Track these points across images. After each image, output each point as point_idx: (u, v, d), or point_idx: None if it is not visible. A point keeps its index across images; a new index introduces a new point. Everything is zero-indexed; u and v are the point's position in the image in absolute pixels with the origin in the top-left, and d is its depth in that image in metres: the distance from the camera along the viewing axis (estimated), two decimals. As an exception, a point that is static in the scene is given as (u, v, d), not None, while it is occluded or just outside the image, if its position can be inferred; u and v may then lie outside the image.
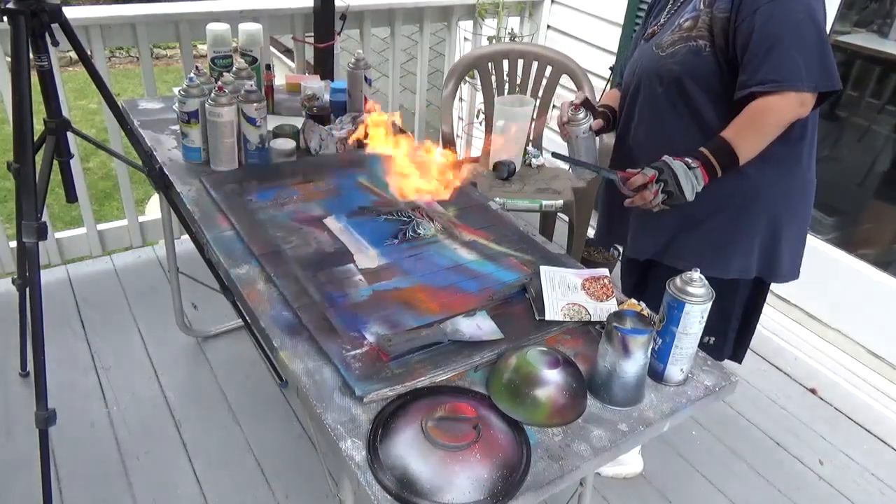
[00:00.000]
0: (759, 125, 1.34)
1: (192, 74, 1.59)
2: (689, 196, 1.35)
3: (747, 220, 1.46)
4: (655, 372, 1.07)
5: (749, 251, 1.48)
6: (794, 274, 1.56)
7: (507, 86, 2.67)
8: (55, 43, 1.44)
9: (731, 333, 1.64)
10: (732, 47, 1.33)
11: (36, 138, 1.50)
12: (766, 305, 2.45)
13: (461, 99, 3.31)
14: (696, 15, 1.38)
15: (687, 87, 1.41)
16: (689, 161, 1.35)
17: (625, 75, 1.60)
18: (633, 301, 1.20)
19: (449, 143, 2.46)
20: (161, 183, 1.62)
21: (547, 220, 2.68)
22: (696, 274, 1.01)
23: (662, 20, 1.49)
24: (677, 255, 1.51)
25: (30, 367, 1.99)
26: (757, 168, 1.39)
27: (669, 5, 1.49)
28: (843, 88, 1.35)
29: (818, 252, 2.34)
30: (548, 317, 1.17)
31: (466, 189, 1.62)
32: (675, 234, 1.51)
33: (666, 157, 1.36)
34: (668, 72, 1.41)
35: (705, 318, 1.02)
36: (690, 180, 1.34)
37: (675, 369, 1.06)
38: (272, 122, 1.74)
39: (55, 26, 1.45)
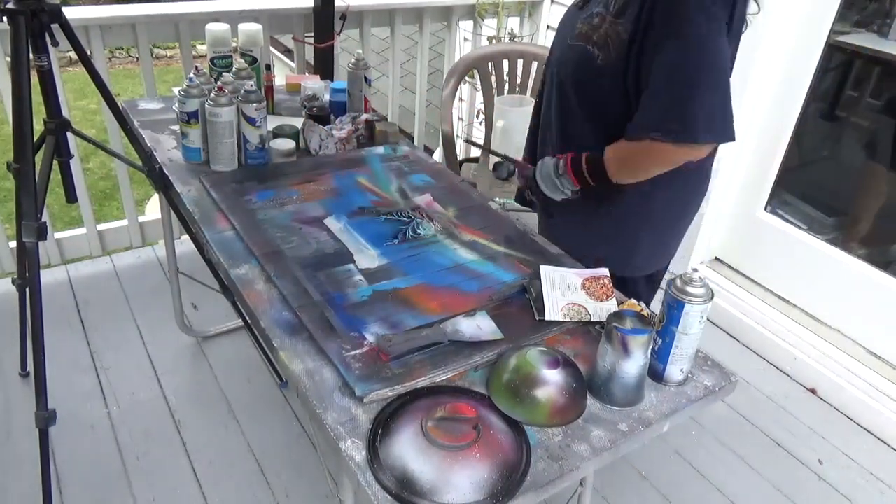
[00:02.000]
0: (643, 165, 1.34)
1: (191, 74, 1.59)
2: (556, 197, 1.46)
3: (636, 222, 1.49)
4: (655, 372, 1.07)
5: (636, 250, 1.53)
6: (667, 261, 1.63)
7: (507, 86, 2.67)
8: (55, 43, 1.44)
9: None
10: (633, 75, 1.27)
11: (36, 138, 1.50)
12: (765, 305, 2.46)
13: (461, 99, 3.30)
14: (603, 16, 1.31)
15: (574, 88, 1.40)
16: (560, 167, 1.41)
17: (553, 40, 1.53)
18: (633, 301, 1.20)
19: (449, 142, 2.46)
20: (161, 183, 1.62)
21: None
22: (696, 274, 1.02)
23: None
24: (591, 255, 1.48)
25: (30, 367, 1.99)
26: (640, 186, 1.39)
27: None
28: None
29: (818, 252, 2.34)
30: (548, 317, 1.17)
31: (466, 189, 1.62)
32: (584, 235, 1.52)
33: (543, 160, 1.45)
34: (566, 64, 1.40)
35: (705, 319, 1.02)
36: (554, 185, 1.43)
37: (675, 369, 1.06)
38: (272, 122, 1.74)
39: (55, 26, 1.45)
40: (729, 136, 1.28)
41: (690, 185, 1.49)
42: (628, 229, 1.50)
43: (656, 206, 1.47)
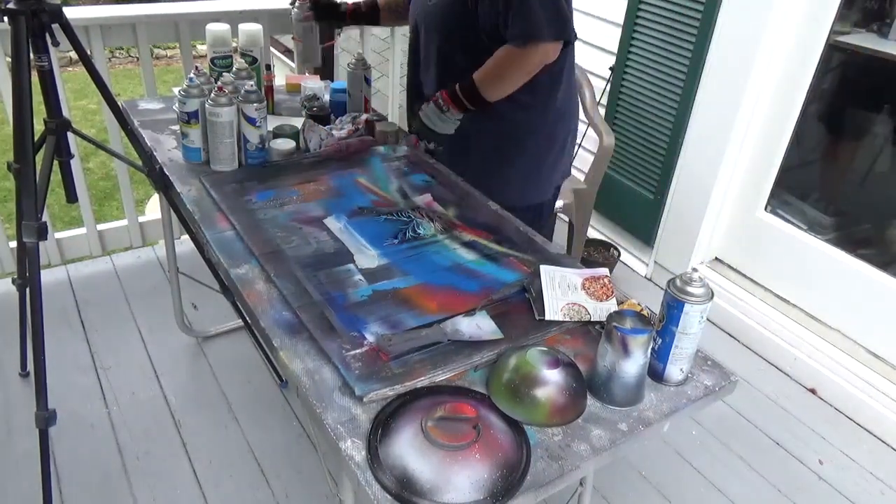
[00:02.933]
0: (504, 73, 1.58)
1: (192, 74, 1.59)
2: (449, 130, 1.66)
3: (513, 154, 1.73)
4: (655, 372, 1.07)
5: (524, 180, 1.77)
6: (548, 192, 1.86)
7: (506, 86, 2.67)
8: (55, 43, 1.44)
9: None
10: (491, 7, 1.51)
11: (36, 138, 1.50)
12: (765, 305, 2.46)
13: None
14: None
15: (445, 41, 1.64)
16: (441, 103, 1.63)
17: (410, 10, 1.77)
18: (634, 301, 1.20)
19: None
20: (161, 183, 1.62)
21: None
22: (696, 274, 1.02)
23: None
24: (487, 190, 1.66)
25: (30, 367, 1.99)
26: (512, 112, 1.66)
27: None
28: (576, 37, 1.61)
29: (818, 252, 2.34)
30: (548, 317, 1.17)
31: (467, 189, 1.62)
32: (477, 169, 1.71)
33: (422, 108, 1.65)
34: (433, 20, 1.61)
35: (705, 318, 1.02)
36: (442, 120, 1.64)
37: (675, 369, 1.06)
38: (272, 122, 1.74)
39: (55, 26, 1.45)
40: (567, 34, 1.56)
41: (557, 130, 1.77)
42: (507, 160, 1.75)
43: (524, 137, 1.72)
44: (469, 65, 1.62)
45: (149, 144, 1.70)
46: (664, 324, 1.03)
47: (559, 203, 2.31)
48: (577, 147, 2.77)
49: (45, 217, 1.71)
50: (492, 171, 1.72)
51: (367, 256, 1.31)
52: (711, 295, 1.01)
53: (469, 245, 1.38)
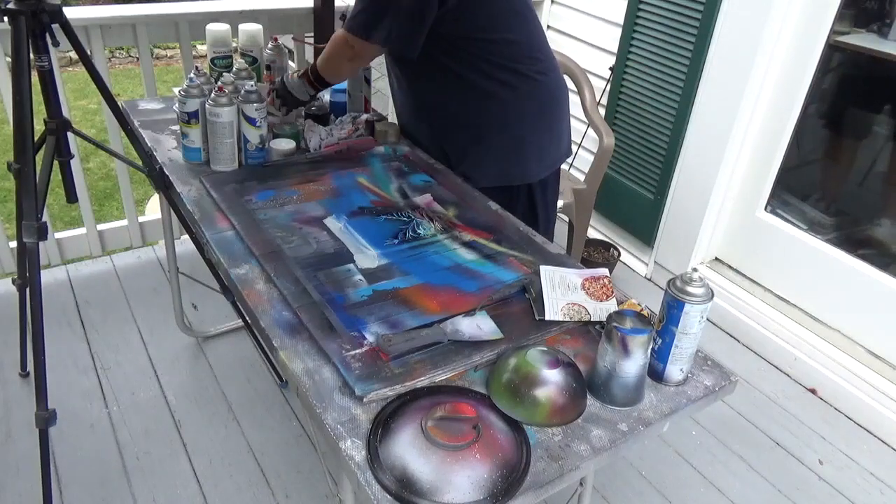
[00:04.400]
0: (333, 53, 1.66)
1: (192, 74, 1.59)
2: (304, 98, 1.76)
3: (486, 136, 1.71)
4: (655, 372, 1.07)
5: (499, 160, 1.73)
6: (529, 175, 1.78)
7: (506, 86, 2.67)
8: (55, 43, 1.44)
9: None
10: None
11: (36, 138, 1.50)
12: (765, 305, 2.46)
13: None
14: None
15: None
16: (299, 75, 1.75)
17: None
18: (633, 301, 1.20)
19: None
20: (161, 183, 1.62)
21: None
22: (696, 274, 1.02)
23: None
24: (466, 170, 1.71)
25: (30, 367, 1.99)
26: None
27: None
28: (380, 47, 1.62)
29: (818, 252, 2.34)
30: (548, 317, 1.17)
31: (467, 189, 1.62)
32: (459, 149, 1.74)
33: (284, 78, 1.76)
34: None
35: (705, 318, 1.02)
36: (301, 89, 1.74)
37: (675, 369, 1.06)
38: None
39: (55, 26, 1.45)
40: (369, 35, 1.56)
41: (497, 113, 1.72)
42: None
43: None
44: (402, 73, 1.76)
45: (149, 144, 1.70)
46: (664, 324, 1.03)
47: (560, 203, 2.31)
48: (577, 147, 2.77)
49: (45, 217, 1.71)
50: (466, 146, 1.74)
51: (367, 256, 1.31)
52: (711, 295, 1.01)
53: (469, 245, 1.38)
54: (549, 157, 1.80)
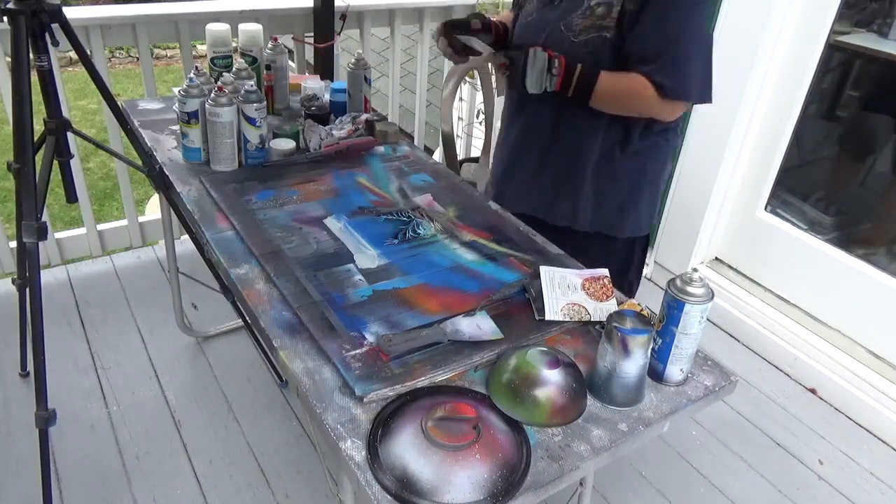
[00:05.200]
0: (626, 101, 1.45)
1: (192, 74, 1.59)
2: (532, 90, 1.45)
3: (635, 190, 1.62)
4: (655, 372, 1.07)
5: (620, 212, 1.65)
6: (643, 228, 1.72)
7: (507, 86, 2.66)
8: (55, 43, 1.44)
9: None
10: (628, 27, 1.40)
11: (36, 138, 1.50)
12: (765, 305, 2.46)
13: (461, 99, 3.30)
14: (609, 3, 1.40)
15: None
16: (555, 66, 1.42)
17: (517, 36, 1.60)
18: (633, 301, 1.20)
19: (449, 142, 2.46)
20: (161, 183, 1.62)
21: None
22: (696, 274, 1.02)
23: None
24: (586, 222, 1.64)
25: (30, 367, 1.99)
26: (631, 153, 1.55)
27: None
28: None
29: (818, 252, 2.34)
30: (548, 317, 1.17)
31: (466, 189, 1.62)
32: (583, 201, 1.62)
33: (536, 49, 1.42)
34: (582, 60, 1.43)
35: (705, 318, 1.02)
36: (539, 79, 1.44)
37: (675, 369, 1.06)
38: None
39: (55, 26, 1.45)
40: (710, 98, 1.46)
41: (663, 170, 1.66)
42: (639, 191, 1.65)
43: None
44: (573, 107, 1.52)
45: (149, 144, 1.70)
46: (664, 324, 1.03)
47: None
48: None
49: (45, 217, 1.71)
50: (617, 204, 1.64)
51: (367, 256, 1.31)
52: (712, 295, 1.01)
53: (469, 245, 1.38)
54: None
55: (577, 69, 1.43)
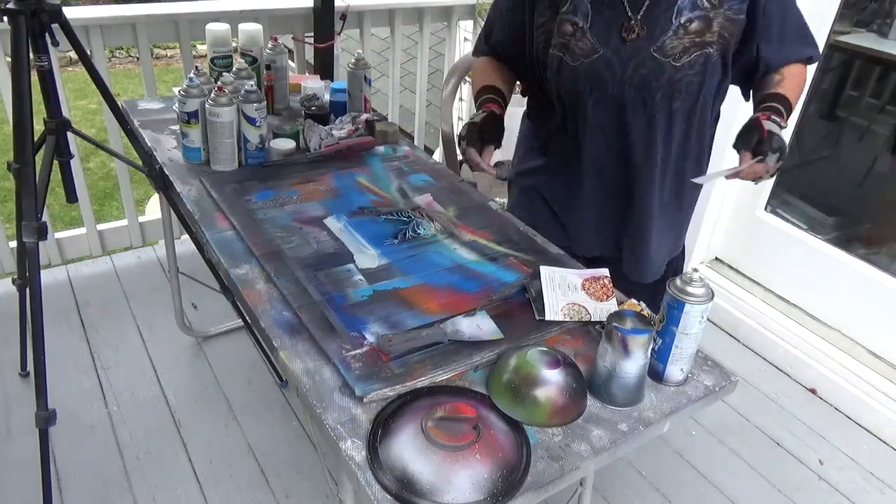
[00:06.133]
0: (800, 93, 1.41)
1: (192, 74, 1.59)
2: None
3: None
4: (655, 372, 1.07)
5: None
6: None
7: (507, 86, 2.66)
8: (55, 43, 1.44)
9: None
10: (739, 36, 1.33)
11: (36, 138, 1.50)
12: (765, 305, 2.46)
13: (461, 99, 3.30)
14: (705, 16, 1.28)
15: (702, 100, 1.39)
16: (778, 121, 1.32)
17: (585, 79, 1.37)
18: (633, 301, 1.20)
19: (449, 142, 2.46)
20: (161, 183, 1.62)
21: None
22: (696, 274, 1.01)
23: (638, 17, 1.30)
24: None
25: (30, 367, 1.99)
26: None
27: None
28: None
29: (818, 252, 2.34)
30: (548, 317, 1.17)
31: (466, 189, 1.62)
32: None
33: (768, 126, 1.30)
34: (689, 84, 1.33)
35: (705, 319, 1.02)
36: (781, 139, 1.34)
37: (675, 369, 1.06)
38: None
39: (55, 26, 1.45)
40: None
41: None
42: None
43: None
44: (682, 134, 1.43)
45: (149, 144, 1.70)
46: (664, 324, 1.03)
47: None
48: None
49: (45, 217, 1.71)
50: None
51: (367, 256, 1.31)
52: (712, 295, 1.01)
53: (469, 245, 1.38)
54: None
55: (776, 110, 1.33)
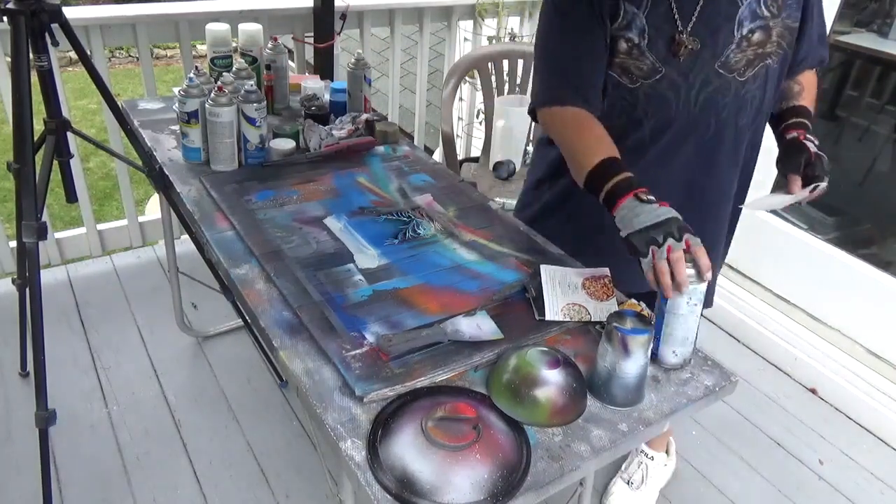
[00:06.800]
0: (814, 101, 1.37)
1: (191, 74, 1.59)
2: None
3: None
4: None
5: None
6: None
7: (507, 86, 2.67)
8: (55, 43, 1.44)
9: None
10: (794, 45, 1.29)
11: (36, 138, 1.50)
12: (765, 305, 2.45)
13: (461, 99, 3.30)
14: (765, 25, 1.21)
15: (762, 117, 1.33)
16: (812, 139, 1.26)
17: (657, 101, 1.25)
18: (633, 301, 1.20)
19: (449, 142, 2.46)
20: (161, 183, 1.62)
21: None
22: (686, 255, 1.02)
23: (688, 30, 1.19)
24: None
25: (30, 367, 1.99)
26: None
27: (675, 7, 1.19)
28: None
29: (818, 252, 2.34)
30: (548, 317, 1.17)
31: (466, 189, 1.62)
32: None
33: (819, 155, 1.24)
34: (753, 98, 1.26)
35: (695, 301, 1.03)
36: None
37: (668, 350, 1.07)
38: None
39: (55, 26, 1.45)
40: None
41: None
42: None
43: None
44: (749, 155, 1.37)
45: (149, 144, 1.70)
46: (657, 303, 1.05)
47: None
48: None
49: (45, 217, 1.71)
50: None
51: (367, 256, 1.31)
52: (700, 277, 1.01)
53: (469, 245, 1.38)
54: None
55: (803, 126, 1.29)
